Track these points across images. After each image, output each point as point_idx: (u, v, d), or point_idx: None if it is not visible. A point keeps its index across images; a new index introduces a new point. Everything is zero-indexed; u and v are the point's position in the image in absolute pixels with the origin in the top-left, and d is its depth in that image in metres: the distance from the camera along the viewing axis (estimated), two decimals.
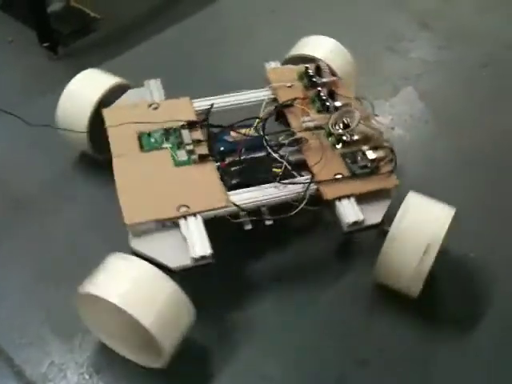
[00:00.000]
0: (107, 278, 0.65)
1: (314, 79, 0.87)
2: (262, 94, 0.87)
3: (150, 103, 0.84)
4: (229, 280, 0.80)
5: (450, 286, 0.81)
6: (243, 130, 0.81)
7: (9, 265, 0.81)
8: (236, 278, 0.80)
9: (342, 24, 1.23)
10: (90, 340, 0.73)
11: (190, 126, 0.80)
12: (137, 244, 0.70)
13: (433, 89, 1.11)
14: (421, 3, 1.33)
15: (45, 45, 1.13)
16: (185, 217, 0.71)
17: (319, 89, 0.85)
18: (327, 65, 0.90)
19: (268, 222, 0.75)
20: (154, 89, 0.87)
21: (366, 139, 0.80)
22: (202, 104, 0.85)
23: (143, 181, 0.74)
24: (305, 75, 0.88)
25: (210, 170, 0.76)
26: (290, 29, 1.02)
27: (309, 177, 0.76)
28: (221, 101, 0.86)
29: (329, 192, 0.75)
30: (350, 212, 0.74)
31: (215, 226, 0.72)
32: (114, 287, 0.64)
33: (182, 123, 0.80)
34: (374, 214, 0.75)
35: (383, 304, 0.78)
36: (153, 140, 0.79)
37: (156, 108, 0.83)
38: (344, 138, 0.79)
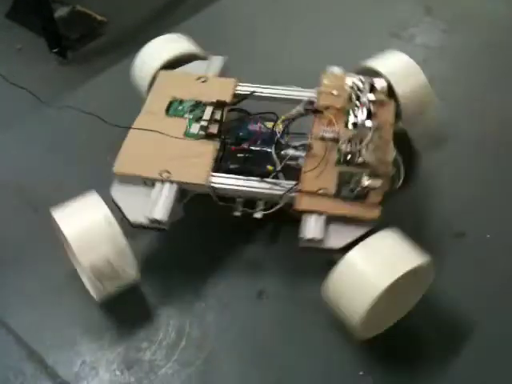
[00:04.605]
0: (72, 210, 0.72)
1: (360, 94, 0.81)
2: (306, 94, 0.84)
3: (200, 76, 0.88)
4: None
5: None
6: (269, 123, 0.81)
7: (37, 267, 0.82)
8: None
9: (344, 11, 1.24)
10: (119, 337, 0.75)
11: (218, 105, 0.83)
12: (114, 191, 0.76)
13: (439, 74, 1.11)
14: None
15: (54, 50, 1.14)
16: (163, 181, 0.75)
17: (358, 104, 0.79)
18: (389, 84, 0.84)
19: (256, 215, 0.76)
20: (214, 64, 0.91)
21: (369, 165, 0.74)
22: (246, 89, 0.87)
23: (149, 140, 0.79)
24: (353, 87, 0.82)
25: (209, 149, 0.78)
26: (289, 18, 1.00)
27: (293, 183, 0.74)
28: (265, 90, 0.87)
29: (303, 203, 0.73)
30: (311, 228, 0.71)
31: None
32: (72, 219, 0.70)
33: (212, 100, 0.83)
34: (337, 239, 0.71)
35: None
36: (180, 108, 0.83)
37: (204, 81, 0.87)
38: (349, 157, 0.75)
